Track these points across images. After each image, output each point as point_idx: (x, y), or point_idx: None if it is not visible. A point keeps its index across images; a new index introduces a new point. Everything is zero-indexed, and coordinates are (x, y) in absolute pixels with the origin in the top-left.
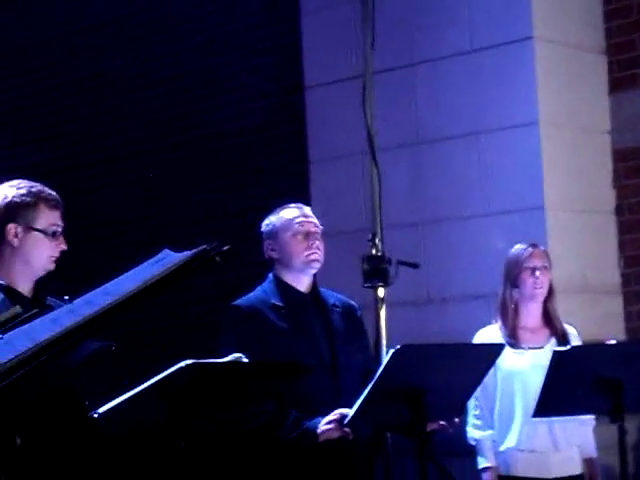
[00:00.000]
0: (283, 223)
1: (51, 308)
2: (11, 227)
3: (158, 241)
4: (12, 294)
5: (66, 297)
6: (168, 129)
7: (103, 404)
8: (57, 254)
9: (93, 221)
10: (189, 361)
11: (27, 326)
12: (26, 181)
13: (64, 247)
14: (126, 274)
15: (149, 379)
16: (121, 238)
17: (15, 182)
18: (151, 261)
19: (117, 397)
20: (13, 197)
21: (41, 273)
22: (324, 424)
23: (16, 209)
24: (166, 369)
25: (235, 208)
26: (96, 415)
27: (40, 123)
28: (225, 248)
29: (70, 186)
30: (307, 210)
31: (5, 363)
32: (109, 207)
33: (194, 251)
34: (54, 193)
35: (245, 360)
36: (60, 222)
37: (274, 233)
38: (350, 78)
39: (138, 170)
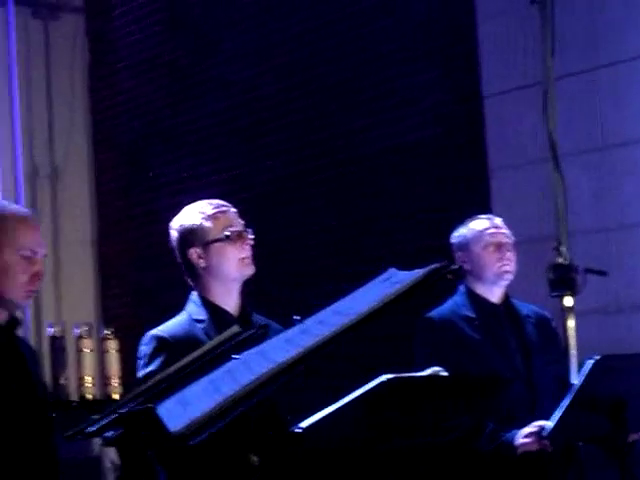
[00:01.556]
0: (474, 235)
1: (266, 327)
2: (192, 252)
3: (346, 254)
4: (218, 313)
5: (297, 317)
6: (350, 142)
7: (301, 418)
8: (247, 253)
9: (281, 235)
10: (389, 375)
11: (261, 346)
12: (194, 205)
13: (250, 242)
14: (353, 294)
15: (348, 393)
16: (309, 252)
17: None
18: (378, 280)
19: (316, 411)
20: (182, 225)
21: (240, 279)
22: (523, 437)
23: (188, 234)
24: (361, 382)
25: (416, 219)
26: (299, 430)
27: (234, 138)
28: (455, 267)
29: (271, 199)
30: (498, 221)
31: (247, 385)
32: (296, 222)
33: (427, 270)
34: (215, 201)
35: (444, 374)
36: (234, 222)
37: (465, 245)
38: (530, 85)
39: (328, 182)
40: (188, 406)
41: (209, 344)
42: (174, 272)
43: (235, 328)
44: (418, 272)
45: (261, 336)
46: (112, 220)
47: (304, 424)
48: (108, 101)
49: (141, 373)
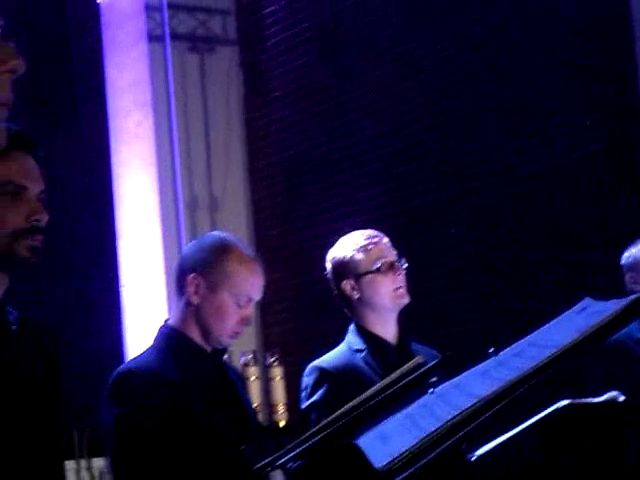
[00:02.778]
0: None
1: (446, 357)
2: (345, 285)
3: (504, 278)
4: (377, 342)
5: (491, 349)
6: (505, 164)
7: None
8: (400, 283)
9: (437, 259)
10: (566, 401)
11: (456, 380)
12: (347, 236)
13: (403, 272)
14: (547, 325)
15: (523, 419)
16: (466, 276)
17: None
18: (573, 311)
19: (489, 438)
20: (334, 258)
21: (395, 309)
22: None
23: (341, 267)
24: (536, 407)
25: (577, 242)
26: (474, 458)
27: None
28: None
29: (426, 222)
30: None
31: (449, 420)
32: (452, 245)
33: (629, 300)
34: (368, 232)
35: (621, 399)
36: (386, 253)
37: (636, 265)
38: None
39: (483, 204)
40: (388, 441)
41: (392, 376)
42: (333, 298)
43: (419, 359)
44: (619, 302)
45: (441, 366)
46: (270, 247)
47: (479, 452)
48: (263, 131)
49: (305, 404)
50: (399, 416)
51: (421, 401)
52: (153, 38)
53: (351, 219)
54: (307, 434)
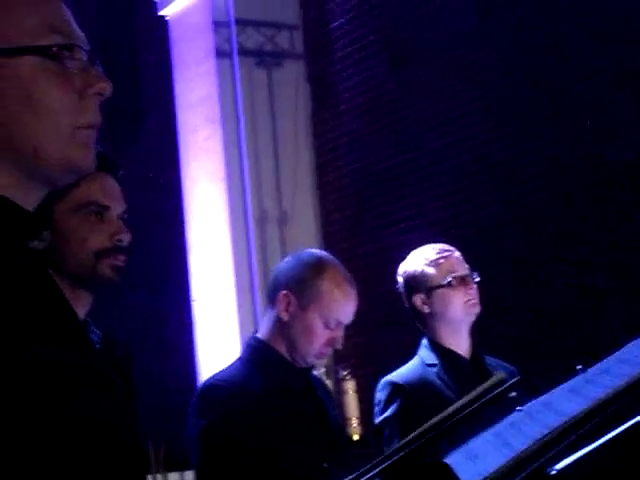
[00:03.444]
0: None
1: (527, 376)
2: (416, 299)
3: (581, 289)
4: (450, 356)
5: (579, 366)
6: (576, 171)
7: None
8: (472, 296)
9: (507, 270)
10: None
11: (544, 397)
12: (418, 250)
13: (475, 285)
14: (636, 341)
15: (607, 429)
16: (539, 287)
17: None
18: None
19: (572, 449)
20: (406, 272)
21: (467, 321)
22: None
23: (412, 281)
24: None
25: None
26: (554, 472)
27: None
28: None
29: (494, 234)
30: None
31: (540, 439)
32: (523, 257)
33: None
34: (439, 246)
35: None
36: (458, 267)
37: None
38: None
39: (552, 215)
40: (477, 460)
41: (474, 392)
42: (403, 309)
43: (501, 374)
44: None
45: (521, 383)
46: (339, 260)
47: (559, 465)
48: (331, 144)
49: (378, 420)
50: (487, 434)
51: (509, 419)
52: (221, 53)
53: (420, 231)
54: (391, 450)
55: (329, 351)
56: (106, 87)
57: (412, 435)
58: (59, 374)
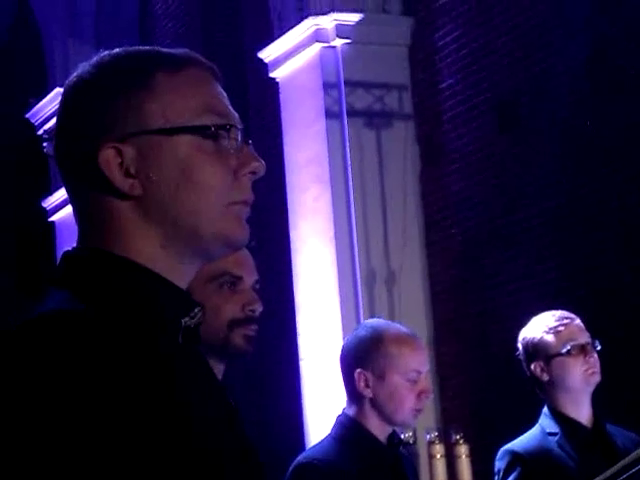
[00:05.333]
0: None
1: None
2: (535, 366)
3: None
4: (571, 425)
5: None
6: None
7: None
8: (591, 365)
9: (627, 331)
10: None
11: None
12: (539, 317)
13: (595, 354)
14: None
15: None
16: None
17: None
18: None
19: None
20: (525, 339)
21: (587, 391)
22: None
23: (531, 348)
24: None
25: None
26: None
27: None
28: None
29: (609, 294)
30: None
31: None
32: None
33: None
34: (560, 313)
35: None
36: (578, 335)
37: None
38: None
39: None
40: None
41: (617, 465)
42: (513, 369)
43: None
44: None
45: None
46: (446, 320)
47: None
48: (439, 204)
49: None
50: None
51: None
52: (330, 114)
53: (528, 292)
54: None
55: (423, 405)
56: (260, 167)
57: None
58: (214, 432)
